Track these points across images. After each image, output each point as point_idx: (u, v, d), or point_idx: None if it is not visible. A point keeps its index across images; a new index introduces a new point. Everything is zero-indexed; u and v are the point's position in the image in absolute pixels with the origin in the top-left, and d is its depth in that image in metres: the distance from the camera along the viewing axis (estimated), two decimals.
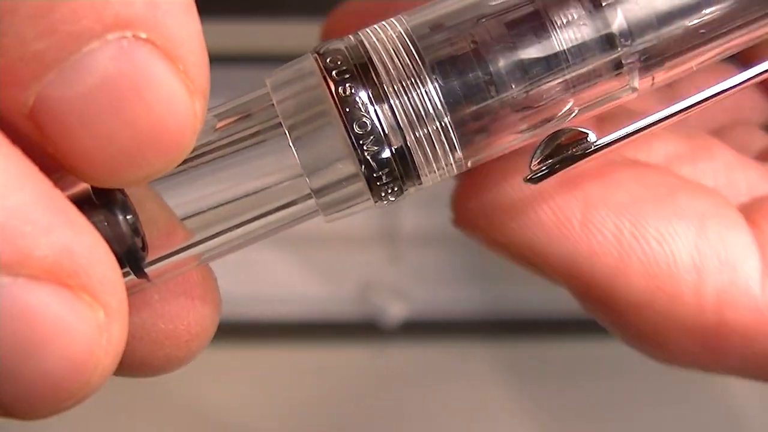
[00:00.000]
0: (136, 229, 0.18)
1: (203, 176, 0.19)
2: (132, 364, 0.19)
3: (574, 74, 0.19)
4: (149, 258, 0.18)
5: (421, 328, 0.51)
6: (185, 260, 0.19)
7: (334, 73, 0.18)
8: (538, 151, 0.20)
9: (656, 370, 0.52)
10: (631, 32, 0.19)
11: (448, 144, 0.19)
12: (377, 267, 0.51)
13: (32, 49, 0.14)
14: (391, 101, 0.18)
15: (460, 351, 0.52)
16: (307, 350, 0.50)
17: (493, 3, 0.19)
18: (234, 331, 0.48)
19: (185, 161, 0.17)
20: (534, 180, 0.20)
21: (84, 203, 0.17)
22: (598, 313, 0.24)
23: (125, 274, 0.18)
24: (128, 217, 0.18)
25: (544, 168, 0.20)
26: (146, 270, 0.18)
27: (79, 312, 0.15)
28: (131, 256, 0.18)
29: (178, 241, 0.19)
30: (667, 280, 0.21)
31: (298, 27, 0.55)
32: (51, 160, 0.16)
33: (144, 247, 0.18)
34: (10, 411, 0.15)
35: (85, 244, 0.15)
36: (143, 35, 0.15)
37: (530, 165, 0.20)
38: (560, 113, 0.19)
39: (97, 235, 0.15)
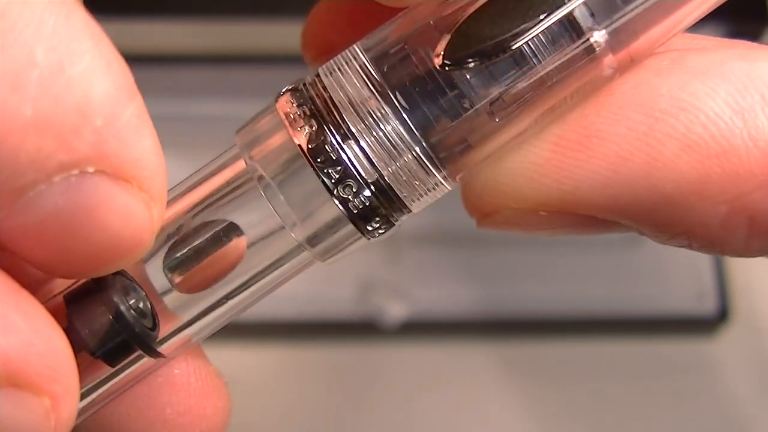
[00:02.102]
0: (142, 311, 0.18)
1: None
2: None
3: (547, 68, 0.18)
4: (161, 333, 0.19)
5: (421, 328, 0.51)
6: (196, 332, 0.19)
7: (297, 120, 0.18)
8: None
9: (656, 369, 0.52)
10: (594, 14, 0.18)
11: (431, 168, 0.18)
12: (377, 267, 0.51)
13: None
14: (360, 139, 0.18)
15: (460, 351, 0.52)
16: (307, 350, 0.50)
17: (447, 13, 0.18)
18: (234, 331, 0.48)
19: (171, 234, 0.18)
20: (449, 66, 0.18)
21: (82, 293, 0.18)
22: (657, 233, 0.19)
23: (140, 357, 0.19)
24: (131, 301, 0.18)
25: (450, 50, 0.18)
26: (159, 348, 0.19)
27: (23, 403, 0.16)
28: (139, 339, 0.18)
29: (185, 314, 0.19)
30: (711, 145, 0.18)
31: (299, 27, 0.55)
32: None
33: (155, 325, 0.19)
34: None
35: (19, 343, 0.16)
36: (91, 170, 0.15)
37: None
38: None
39: (38, 326, 0.16)
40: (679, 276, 0.52)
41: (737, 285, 0.53)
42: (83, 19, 0.16)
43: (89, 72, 0.15)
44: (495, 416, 0.51)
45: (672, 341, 0.52)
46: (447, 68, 0.18)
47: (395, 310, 0.50)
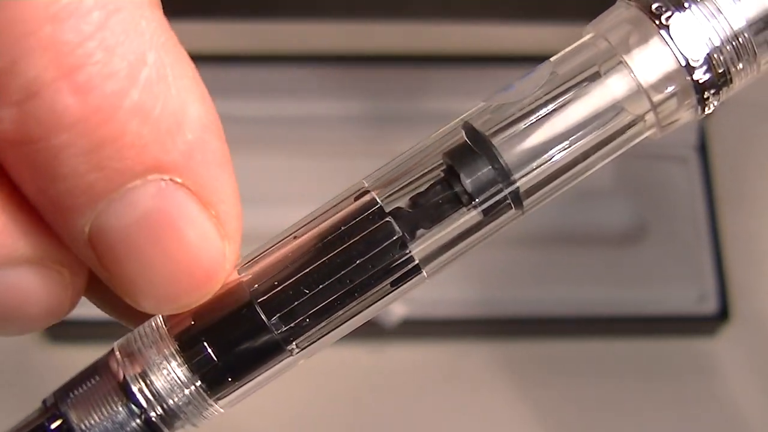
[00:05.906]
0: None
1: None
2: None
3: None
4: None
5: (421, 328, 0.51)
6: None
7: (654, 9, 0.19)
8: None
9: (656, 369, 0.52)
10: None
11: (756, 50, 0.20)
12: None
13: (85, 180, 0.17)
14: (714, 35, 0.19)
15: (460, 351, 0.52)
16: None
17: None
18: None
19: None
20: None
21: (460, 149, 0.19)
22: None
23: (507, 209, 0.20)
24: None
25: None
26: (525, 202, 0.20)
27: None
28: (515, 195, 0.20)
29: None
30: None
31: (299, 26, 0.55)
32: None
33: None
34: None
35: None
36: (179, 180, 0.17)
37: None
38: None
39: None
40: (679, 276, 0.52)
41: (738, 285, 0.53)
42: (184, 53, 0.17)
43: (188, 91, 0.17)
44: (495, 416, 0.51)
45: (672, 341, 0.52)
46: None
47: (395, 310, 0.50)
